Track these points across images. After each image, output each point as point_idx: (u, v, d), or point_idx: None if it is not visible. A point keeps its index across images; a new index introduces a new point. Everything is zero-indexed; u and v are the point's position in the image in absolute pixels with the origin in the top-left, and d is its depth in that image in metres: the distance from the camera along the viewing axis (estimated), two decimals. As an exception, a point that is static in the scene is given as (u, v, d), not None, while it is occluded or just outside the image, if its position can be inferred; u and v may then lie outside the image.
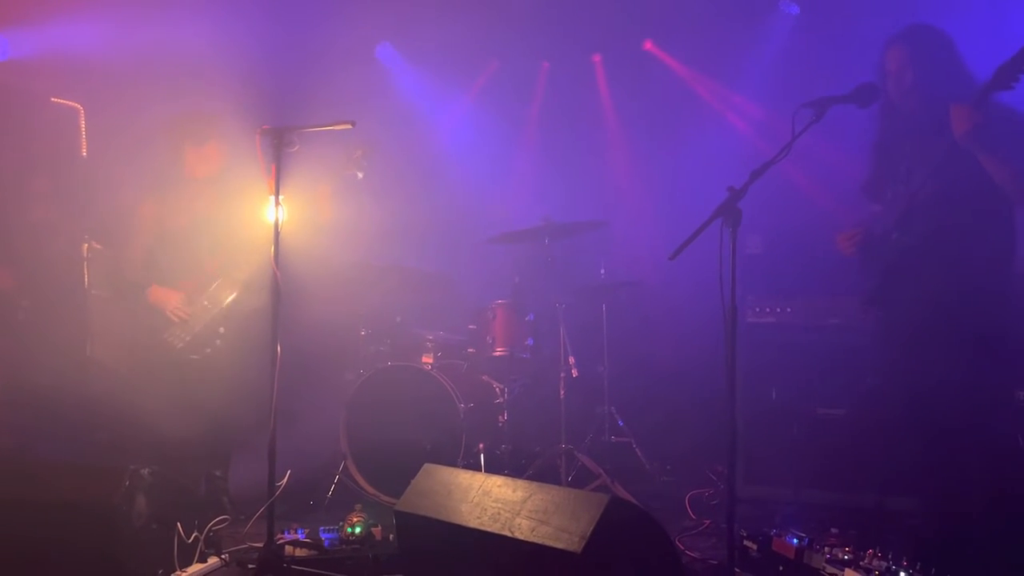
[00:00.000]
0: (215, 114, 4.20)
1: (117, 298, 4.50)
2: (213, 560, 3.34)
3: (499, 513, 2.62)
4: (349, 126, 3.19)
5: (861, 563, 3.04)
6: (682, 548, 3.68)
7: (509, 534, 2.54)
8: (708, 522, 4.05)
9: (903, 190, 3.09)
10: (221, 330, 4.13)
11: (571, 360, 4.61)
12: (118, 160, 4.71)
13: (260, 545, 3.26)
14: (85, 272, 4.53)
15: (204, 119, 4.18)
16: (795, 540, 3.17)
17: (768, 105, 5.42)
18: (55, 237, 4.52)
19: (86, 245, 4.50)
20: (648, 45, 5.94)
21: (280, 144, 3.18)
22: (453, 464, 4.23)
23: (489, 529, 2.60)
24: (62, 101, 4.70)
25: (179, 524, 3.22)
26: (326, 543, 3.55)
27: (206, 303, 4.12)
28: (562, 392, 4.55)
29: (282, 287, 3.23)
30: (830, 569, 2.98)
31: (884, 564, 2.87)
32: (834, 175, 4.84)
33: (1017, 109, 2.99)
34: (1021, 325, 3.10)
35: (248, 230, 3.98)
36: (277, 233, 3.22)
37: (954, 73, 3.02)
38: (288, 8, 5.22)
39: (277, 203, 3.21)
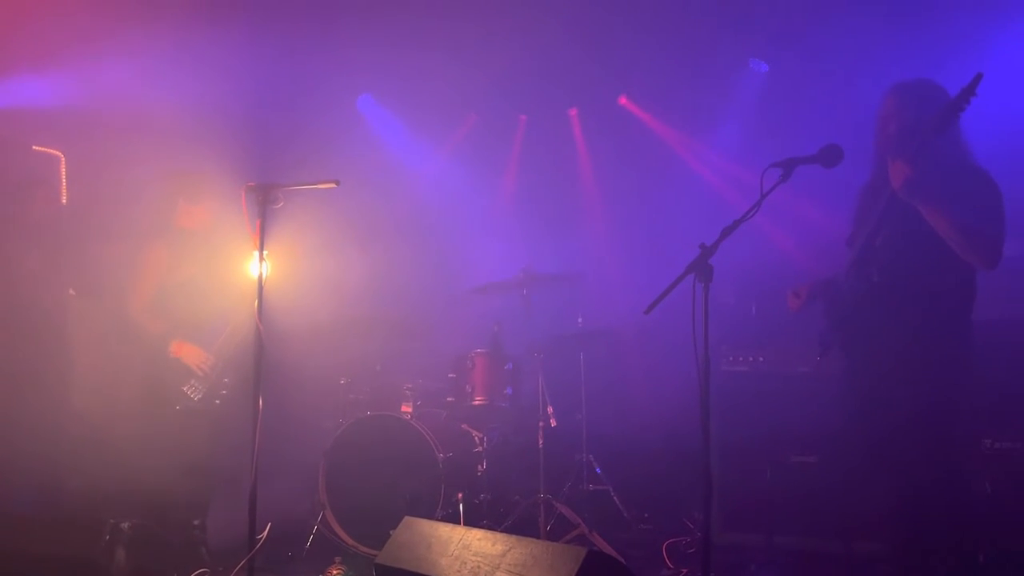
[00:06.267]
0: (207, 173, 4.29)
1: (106, 348, 4.50)
2: (192, 613, 3.33)
3: (479, 566, 2.66)
4: (334, 184, 3.26)
5: (832, 610, 3.10)
6: (659, 597, 3.72)
7: (489, 587, 2.58)
8: (685, 571, 4.09)
9: (867, 233, 3.16)
10: (226, 380, 4.20)
11: (549, 410, 4.67)
12: (102, 210, 4.75)
13: (239, 598, 3.27)
14: (67, 321, 4.54)
15: (197, 178, 4.28)
16: (769, 588, 3.23)
17: (738, 158, 5.59)
18: (36, 286, 4.53)
19: (70, 292, 4.53)
20: (623, 100, 6.13)
21: (265, 200, 3.24)
22: (432, 513, 4.25)
23: (469, 582, 2.64)
24: (44, 149, 4.76)
25: (158, 578, 3.21)
26: (305, 596, 3.56)
27: (217, 356, 4.18)
28: (541, 441, 4.60)
29: (265, 339, 3.26)
30: (802, 617, 3.03)
31: (853, 611, 2.92)
32: (805, 227, 5.01)
33: (967, 158, 3.07)
34: (985, 374, 3.19)
35: (239, 283, 4.04)
36: (261, 287, 3.27)
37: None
38: (269, 61, 5.31)
39: (261, 258, 3.26)
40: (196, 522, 4.16)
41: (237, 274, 4.04)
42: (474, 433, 4.78)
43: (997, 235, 3.01)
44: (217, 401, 4.17)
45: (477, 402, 4.68)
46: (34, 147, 4.75)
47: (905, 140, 3.05)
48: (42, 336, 4.36)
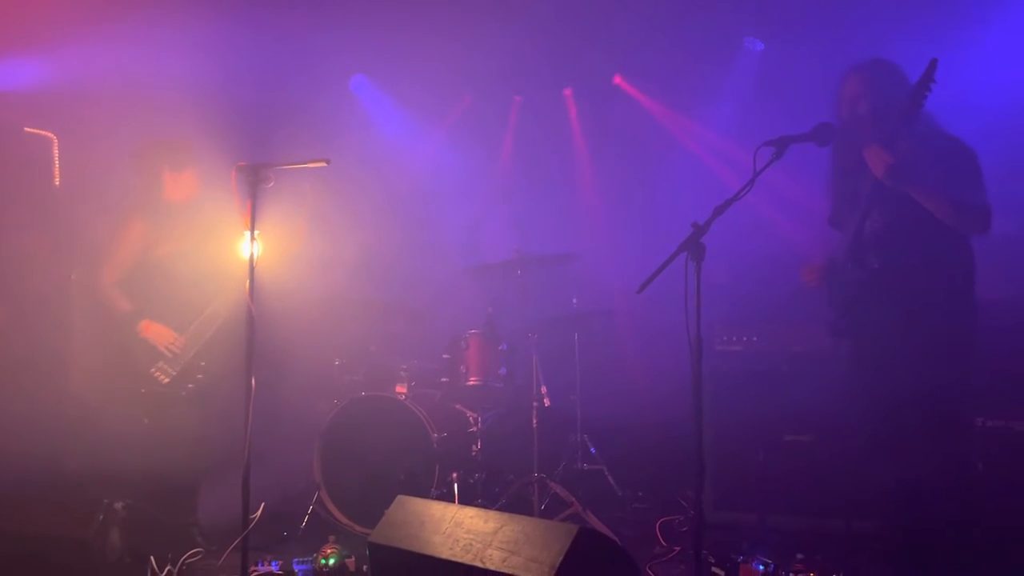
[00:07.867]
0: (191, 141, 4.25)
1: (99, 329, 4.48)
2: (186, 593, 3.34)
3: (471, 544, 2.67)
4: (324, 164, 3.23)
5: (824, 588, 3.12)
6: None
7: (480, 565, 2.59)
8: (678, 549, 4.12)
9: (857, 220, 3.16)
10: (202, 363, 4.15)
11: (543, 390, 4.67)
12: (92, 190, 4.73)
13: (234, 578, 3.28)
14: (70, 303, 4.52)
15: (182, 146, 4.23)
16: (761, 566, 3.25)
17: (732, 137, 5.57)
18: (34, 271, 4.51)
19: (72, 276, 4.51)
20: (617, 79, 6.10)
21: (256, 180, 3.22)
22: (427, 493, 4.27)
23: (461, 560, 2.65)
24: (35, 131, 4.72)
25: (152, 558, 3.22)
26: (300, 575, 3.57)
27: (192, 338, 4.14)
28: (535, 421, 4.61)
29: (257, 320, 3.25)
30: (794, 594, 3.05)
31: (847, 588, 2.94)
32: (797, 205, 4.99)
33: (935, 130, 3.06)
34: (982, 353, 3.19)
35: (225, 263, 4.01)
36: (252, 268, 3.25)
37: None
38: (262, 40, 5.27)
39: (253, 238, 3.24)
40: (190, 503, 4.17)
41: (223, 255, 4.00)
42: (468, 413, 4.79)
43: (983, 200, 3.03)
44: (190, 385, 4.10)
45: (471, 382, 4.68)
46: (26, 129, 4.72)
47: (878, 124, 3.06)
48: (40, 321, 4.35)
